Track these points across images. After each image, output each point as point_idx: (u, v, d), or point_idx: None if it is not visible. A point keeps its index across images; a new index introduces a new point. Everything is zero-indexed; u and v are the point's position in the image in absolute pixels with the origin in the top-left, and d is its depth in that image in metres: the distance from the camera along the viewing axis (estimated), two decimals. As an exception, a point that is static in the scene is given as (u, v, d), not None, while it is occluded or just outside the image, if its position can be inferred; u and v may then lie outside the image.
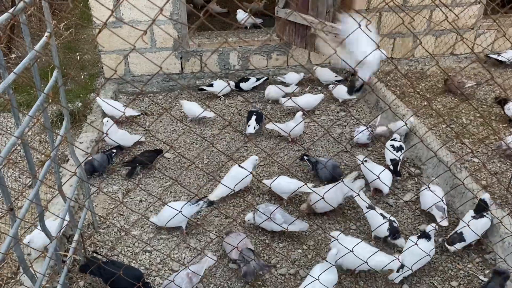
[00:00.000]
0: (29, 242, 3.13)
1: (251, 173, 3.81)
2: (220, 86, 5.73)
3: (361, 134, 4.64)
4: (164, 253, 3.46)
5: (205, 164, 4.56)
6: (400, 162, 4.20)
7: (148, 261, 3.39)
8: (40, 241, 3.14)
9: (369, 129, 4.65)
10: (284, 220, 3.50)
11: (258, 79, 5.83)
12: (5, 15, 2.12)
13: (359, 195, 3.40)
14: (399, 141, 4.38)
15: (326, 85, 5.86)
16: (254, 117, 4.90)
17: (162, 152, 4.58)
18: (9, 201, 2.22)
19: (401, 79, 5.89)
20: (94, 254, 3.30)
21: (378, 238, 3.50)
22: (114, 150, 4.43)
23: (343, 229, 3.69)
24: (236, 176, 3.85)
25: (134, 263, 3.35)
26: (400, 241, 3.38)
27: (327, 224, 3.75)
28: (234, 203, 4.00)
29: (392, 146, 4.27)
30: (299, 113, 4.68)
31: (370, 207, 3.48)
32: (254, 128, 4.84)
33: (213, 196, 3.89)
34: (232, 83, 5.85)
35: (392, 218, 3.42)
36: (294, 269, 3.32)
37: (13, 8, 2.22)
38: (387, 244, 3.48)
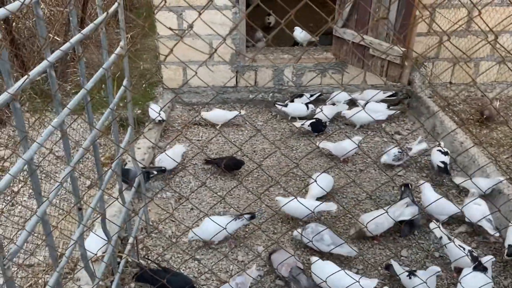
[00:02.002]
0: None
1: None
2: (295, 109, 5.58)
3: (386, 154, 4.60)
4: (212, 263, 3.51)
5: (255, 177, 4.61)
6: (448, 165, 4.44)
7: (197, 269, 3.46)
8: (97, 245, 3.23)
9: (402, 151, 4.62)
10: (333, 242, 3.46)
11: (311, 95, 5.84)
12: (90, 26, 2.28)
13: (439, 226, 3.37)
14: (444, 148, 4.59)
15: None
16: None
17: (242, 165, 4.55)
18: (79, 202, 2.36)
19: (459, 104, 5.72)
20: (145, 262, 3.39)
21: (459, 270, 3.36)
22: (155, 172, 4.29)
23: (393, 256, 3.61)
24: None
25: (183, 270, 3.42)
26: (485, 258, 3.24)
27: (377, 249, 3.67)
28: (282, 219, 4.01)
29: (440, 151, 4.50)
30: (357, 137, 4.65)
31: (449, 239, 3.39)
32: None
33: (309, 196, 4.05)
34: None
35: (471, 249, 3.33)
36: (342, 292, 3.27)
37: (98, 19, 2.39)
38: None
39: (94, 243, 3.23)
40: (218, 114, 5.46)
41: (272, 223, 3.95)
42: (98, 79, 2.43)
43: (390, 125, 5.55)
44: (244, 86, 6.12)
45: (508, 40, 5.62)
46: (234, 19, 5.61)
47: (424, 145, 4.72)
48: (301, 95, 5.85)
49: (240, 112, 5.53)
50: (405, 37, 4.86)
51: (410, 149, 4.71)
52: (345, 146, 4.65)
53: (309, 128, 5.20)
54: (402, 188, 4.03)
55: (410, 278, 3.10)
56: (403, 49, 4.89)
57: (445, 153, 4.52)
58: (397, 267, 3.24)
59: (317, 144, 4.93)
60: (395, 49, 4.95)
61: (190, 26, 1.48)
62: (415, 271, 3.15)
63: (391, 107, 5.57)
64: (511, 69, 1.98)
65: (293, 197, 3.81)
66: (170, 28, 1.96)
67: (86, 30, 2.21)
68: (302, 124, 5.23)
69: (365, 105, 5.44)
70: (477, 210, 3.68)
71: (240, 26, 5.70)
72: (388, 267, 3.32)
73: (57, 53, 1.88)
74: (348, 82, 6.01)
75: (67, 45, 2.01)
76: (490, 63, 5.91)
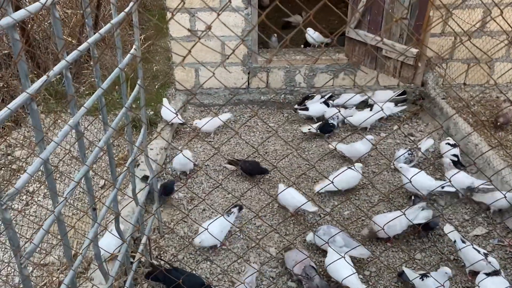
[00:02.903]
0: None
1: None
2: (316, 110, 5.54)
3: (397, 160, 4.52)
4: (225, 263, 3.52)
5: (267, 178, 4.60)
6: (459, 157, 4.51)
7: (209, 270, 3.47)
8: (112, 244, 3.25)
9: (411, 152, 4.58)
10: (345, 244, 3.44)
11: (322, 97, 5.82)
12: (107, 26, 2.30)
13: (456, 230, 3.42)
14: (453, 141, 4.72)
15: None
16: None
17: (267, 172, 4.52)
18: (93, 202, 2.38)
19: (474, 106, 5.65)
20: (158, 262, 3.41)
21: (474, 274, 3.32)
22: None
23: (407, 258, 3.58)
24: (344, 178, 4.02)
25: (195, 271, 3.43)
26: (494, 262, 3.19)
27: (390, 252, 3.64)
28: (294, 221, 4.00)
29: (448, 144, 4.62)
30: (369, 136, 4.62)
31: (463, 241, 3.36)
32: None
33: (318, 187, 4.22)
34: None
35: (485, 251, 3.31)
36: (355, 294, 3.25)
37: (114, 19, 2.41)
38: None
39: (108, 242, 3.26)
40: (209, 123, 5.24)
41: (284, 225, 3.94)
42: (112, 80, 2.45)
43: (403, 127, 5.51)
44: (256, 88, 6.12)
45: (523, 41, 5.54)
46: (247, 20, 5.62)
47: (431, 141, 4.81)
48: (312, 97, 5.83)
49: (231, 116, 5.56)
50: (419, 38, 4.82)
51: (419, 148, 4.69)
52: (357, 147, 4.62)
53: (318, 132, 5.20)
54: (412, 198, 4.03)
55: (422, 280, 3.06)
56: (417, 50, 4.84)
57: (454, 145, 4.61)
58: (409, 273, 3.20)
59: (330, 145, 4.90)
60: (409, 50, 4.91)
61: (209, 28, 1.48)
62: (428, 273, 3.12)
63: (398, 104, 5.54)
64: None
65: (287, 187, 3.87)
66: (189, 30, 1.98)
67: (102, 30, 2.23)
68: (309, 129, 5.24)
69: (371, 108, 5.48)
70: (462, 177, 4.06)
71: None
72: (401, 274, 3.29)
73: (74, 53, 1.90)
74: (365, 83, 5.98)
75: (84, 45, 2.03)
76: (506, 64, 5.82)
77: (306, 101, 5.82)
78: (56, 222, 1.99)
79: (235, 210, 3.80)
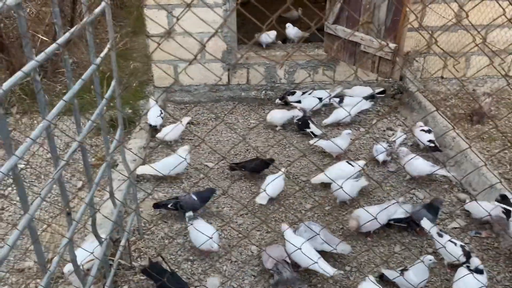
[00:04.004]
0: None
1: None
2: (309, 104, 5.51)
3: (381, 155, 4.59)
4: (206, 263, 3.50)
5: (247, 176, 4.58)
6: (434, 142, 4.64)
7: (190, 270, 3.44)
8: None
9: (389, 142, 4.70)
10: (326, 240, 3.45)
11: (303, 93, 5.82)
12: (78, 26, 2.24)
13: (433, 224, 3.48)
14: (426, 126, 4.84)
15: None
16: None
17: (272, 162, 4.49)
18: (68, 206, 2.32)
19: (451, 99, 5.73)
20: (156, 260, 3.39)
21: (453, 266, 3.38)
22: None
23: (386, 252, 3.62)
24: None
25: (176, 271, 3.40)
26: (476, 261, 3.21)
27: (370, 246, 3.67)
28: (276, 218, 4.00)
29: (423, 130, 4.72)
30: (347, 131, 4.65)
31: (440, 235, 3.40)
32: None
33: (315, 180, 4.31)
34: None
35: (462, 244, 3.35)
36: (336, 290, 3.27)
37: (84, 21, 2.36)
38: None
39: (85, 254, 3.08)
40: (172, 131, 4.94)
41: (266, 222, 3.93)
42: (86, 80, 2.40)
43: (382, 121, 5.55)
44: (237, 84, 6.08)
45: (498, 35, 5.63)
46: (225, 16, 5.57)
47: (403, 136, 4.92)
48: (293, 93, 5.83)
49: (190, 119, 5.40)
50: (396, 33, 4.85)
51: (395, 142, 4.77)
52: (336, 143, 4.64)
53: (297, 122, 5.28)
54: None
55: (402, 274, 3.09)
56: (394, 44, 4.88)
57: (429, 131, 4.74)
58: (390, 273, 3.22)
59: (310, 142, 4.93)
60: (387, 45, 4.93)
61: (168, 33, 1.45)
62: (405, 268, 3.16)
63: (369, 100, 5.59)
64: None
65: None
66: (159, 24, 1.93)
67: (71, 31, 2.17)
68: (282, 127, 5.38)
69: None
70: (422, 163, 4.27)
71: (231, 23, 5.65)
72: (381, 276, 3.30)
73: (41, 56, 1.84)
74: (345, 78, 6.00)
75: (52, 47, 1.98)
76: (481, 58, 5.91)
77: (287, 96, 5.82)
78: (27, 227, 1.93)
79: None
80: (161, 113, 5.29)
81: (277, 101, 5.86)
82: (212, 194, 3.99)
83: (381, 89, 5.87)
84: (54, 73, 6.35)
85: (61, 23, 2.19)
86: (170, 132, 4.90)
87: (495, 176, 4.03)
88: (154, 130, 5.13)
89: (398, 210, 3.68)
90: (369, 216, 3.07)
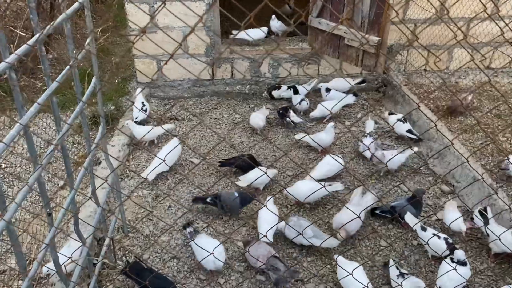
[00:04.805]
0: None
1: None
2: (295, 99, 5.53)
3: (373, 148, 4.51)
4: (192, 260, 3.47)
5: (233, 171, 4.56)
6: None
7: (176, 268, 3.41)
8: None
9: (372, 135, 4.73)
10: (314, 235, 3.46)
11: (289, 87, 5.80)
12: (57, 21, 2.17)
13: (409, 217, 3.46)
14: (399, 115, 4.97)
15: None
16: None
17: (258, 165, 4.35)
18: (48, 207, 2.27)
19: (434, 91, 5.77)
20: (133, 260, 3.33)
21: (437, 258, 3.41)
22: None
23: (372, 245, 3.64)
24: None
25: (162, 269, 3.37)
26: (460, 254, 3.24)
27: (356, 240, 3.69)
28: (262, 213, 3.99)
29: (399, 120, 4.81)
30: (331, 124, 4.65)
31: (423, 229, 3.43)
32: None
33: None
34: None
35: (446, 236, 3.38)
36: (323, 284, 3.28)
37: (61, 16, 2.29)
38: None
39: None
40: (150, 133, 4.78)
41: (252, 219, 3.92)
42: (62, 81, 2.34)
43: (366, 115, 5.56)
44: (221, 79, 6.04)
45: (480, 27, 5.68)
46: (206, 11, 5.50)
47: (371, 123, 4.99)
48: (279, 87, 5.81)
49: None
50: (379, 26, 4.85)
51: (365, 131, 4.86)
52: (321, 137, 4.65)
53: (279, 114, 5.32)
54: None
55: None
56: (378, 38, 4.88)
57: (405, 120, 4.89)
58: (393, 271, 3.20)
59: (295, 137, 4.93)
60: (370, 38, 4.94)
61: (143, 32, 1.42)
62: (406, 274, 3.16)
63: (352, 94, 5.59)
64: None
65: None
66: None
67: (47, 28, 2.10)
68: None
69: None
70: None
71: (215, 18, 5.59)
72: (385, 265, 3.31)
73: (12, 57, 1.77)
74: (329, 72, 5.99)
75: (27, 45, 1.91)
76: (463, 51, 5.97)
77: (272, 92, 5.80)
78: (5, 229, 1.88)
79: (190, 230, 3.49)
80: (143, 105, 5.24)
81: (264, 93, 5.85)
82: (252, 199, 3.92)
83: (360, 79, 5.86)
84: (35, 69, 6.21)
85: (37, 19, 2.13)
86: (146, 134, 4.71)
87: (476, 171, 4.08)
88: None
89: (367, 201, 3.70)
90: (349, 218, 3.04)
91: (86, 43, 2.72)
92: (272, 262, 3.18)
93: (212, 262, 3.17)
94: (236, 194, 3.81)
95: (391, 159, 4.10)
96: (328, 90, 5.58)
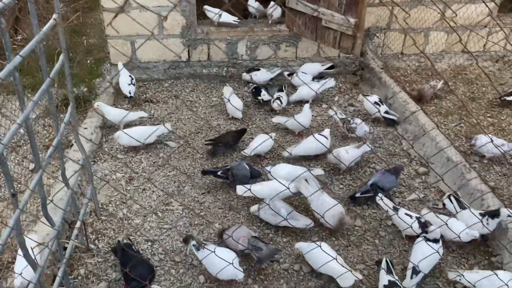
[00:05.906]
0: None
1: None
2: (261, 77, 5.60)
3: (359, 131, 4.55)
4: (167, 243, 3.43)
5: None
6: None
7: (150, 251, 3.36)
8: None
9: (349, 121, 4.68)
10: (289, 216, 3.45)
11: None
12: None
13: (381, 199, 3.52)
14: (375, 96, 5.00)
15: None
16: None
17: (245, 132, 4.54)
18: (12, 186, 2.17)
19: (411, 74, 5.81)
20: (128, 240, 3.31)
21: (410, 237, 3.45)
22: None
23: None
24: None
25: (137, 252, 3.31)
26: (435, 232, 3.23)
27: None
28: (238, 196, 3.95)
29: (376, 103, 4.82)
30: (307, 105, 4.63)
31: (395, 209, 3.45)
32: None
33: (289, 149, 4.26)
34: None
35: (418, 216, 3.42)
36: (298, 264, 3.28)
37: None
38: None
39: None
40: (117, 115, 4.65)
41: (228, 200, 3.89)
42: (29, 51, 2.24)
43: (344, 98, 5.57)
44: (197, 61, 5.92)
45: (457, 10, 5.72)
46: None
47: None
48: (257, 69, 5.72)
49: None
50: (357, 8, 4.82)
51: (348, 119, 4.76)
52: (299, 120, 4.63)
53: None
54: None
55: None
56: (355, 20, 4.85)
57: (381, 102, 4.88)
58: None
59: (272, 119, 4.89)
60: (347, 20, 4.91)
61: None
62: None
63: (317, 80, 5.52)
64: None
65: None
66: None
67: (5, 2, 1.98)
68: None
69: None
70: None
71: (190, -3, 5.45)
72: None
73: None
74: (307, 55, 5.94)
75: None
76: (439, 33, 6.01)
77: (251, 72, 5.69)
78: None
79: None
80: (132, 79, 5.23)
81: (244, 74, 5.73)
82: (260, 175, 3.96)
83: (329, 64, 5.80)
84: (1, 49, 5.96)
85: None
86: (116, 117, 4.62)
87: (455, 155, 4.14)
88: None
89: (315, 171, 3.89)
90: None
91: (54, 15, 2.60)
92: (253, 243, 3.17)
93: (232, 273, 2.99)
94: (247, 166, 3.86)
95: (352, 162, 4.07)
96: (290, 75, 5.65)
